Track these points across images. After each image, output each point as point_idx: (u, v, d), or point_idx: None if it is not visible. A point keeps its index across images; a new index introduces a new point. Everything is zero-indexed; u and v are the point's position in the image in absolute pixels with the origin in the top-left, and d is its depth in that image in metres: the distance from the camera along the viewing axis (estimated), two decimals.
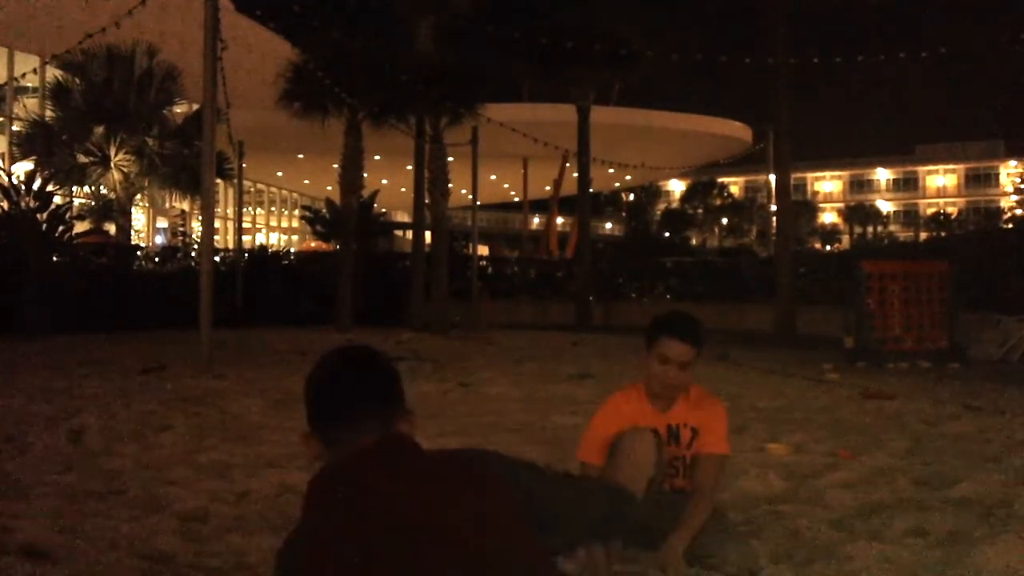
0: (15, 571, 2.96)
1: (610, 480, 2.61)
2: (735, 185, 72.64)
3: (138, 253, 19.19)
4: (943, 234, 49.17)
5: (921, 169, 72.09)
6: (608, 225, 69.69)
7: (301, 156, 34.08)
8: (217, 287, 10.99)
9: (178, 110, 21.70)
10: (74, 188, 21.71)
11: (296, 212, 46.17)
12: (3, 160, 19.47)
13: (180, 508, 3.84)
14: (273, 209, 47.39)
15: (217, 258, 18.25)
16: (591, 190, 24.09)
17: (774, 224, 22.75)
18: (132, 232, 22.06)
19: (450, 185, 19.36)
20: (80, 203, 21.94)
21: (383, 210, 35.82)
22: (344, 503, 1.42)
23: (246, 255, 20.61)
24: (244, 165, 21.31)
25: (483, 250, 31.25)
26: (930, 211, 68.84)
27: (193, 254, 19.07)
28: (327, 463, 1.53)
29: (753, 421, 6.31)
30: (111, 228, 20.85)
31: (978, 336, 11.64)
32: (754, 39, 16.81)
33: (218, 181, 19.12)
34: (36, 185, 16.20)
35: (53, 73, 20.95)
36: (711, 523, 2.94)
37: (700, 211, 67.86)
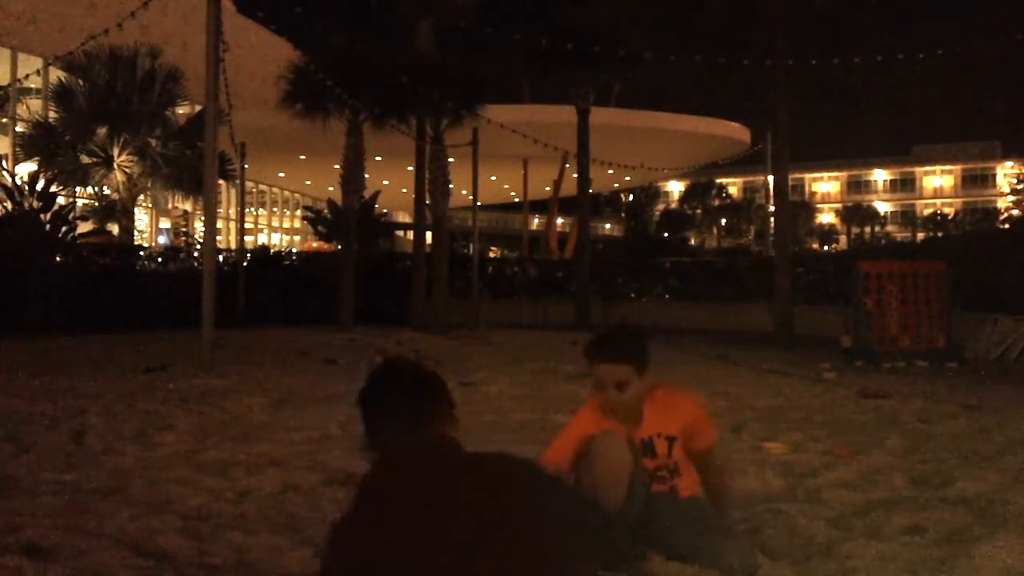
0: (18, 570, 2.98)
1: (589, 492, 2.63)
2: (733, 186, 72.64)
3: (141, 253, 19.22)
4: (940, 234, 49.15)
5: (918, 170, 72.09)
6: (607, 225, 69.67)
7: (303, 157, 34.10)
8: (219, 287, 11.01)
9: (180, 111, 21.74)
10: (77, 189, 21.76)
11: (298, 212, 46.18)
12: (7, 161, 19.48)
13: (182, 507, 3.87)
14: (275, 209, 47.41)
15: (219, 258, 18.28)
16: (591, 191, 24.11)
17: (772, 224, 22.77)
18: (135, 232, 22.09)
19: (451, 186, 19.39)
20: (83, 204, 21.97)
21: (384, 210, 35.84)
22: (380, 496, 1.67)
23: (248, 255, 20.64)
24: (246, 166, 21.35)
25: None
26: (927, 211, 68.83)
27: (196, 254, 19.10)
28: (373, 462, 1.79)
29: (751, 420, 6.33)
30: (114, 229, 20.87)
31: (975, 335, 11.66)
32: (752, 40, 16.81)
33: (220, 182, 19.17)
34: (39, 186, 16.26)
35: (56, 74, 20.98)
36: (708, 523, 2.96)
37: (699, 212, 67.87)
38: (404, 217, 44.72)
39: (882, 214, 70.98)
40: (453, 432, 1.83)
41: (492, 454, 1.81)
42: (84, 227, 18.74)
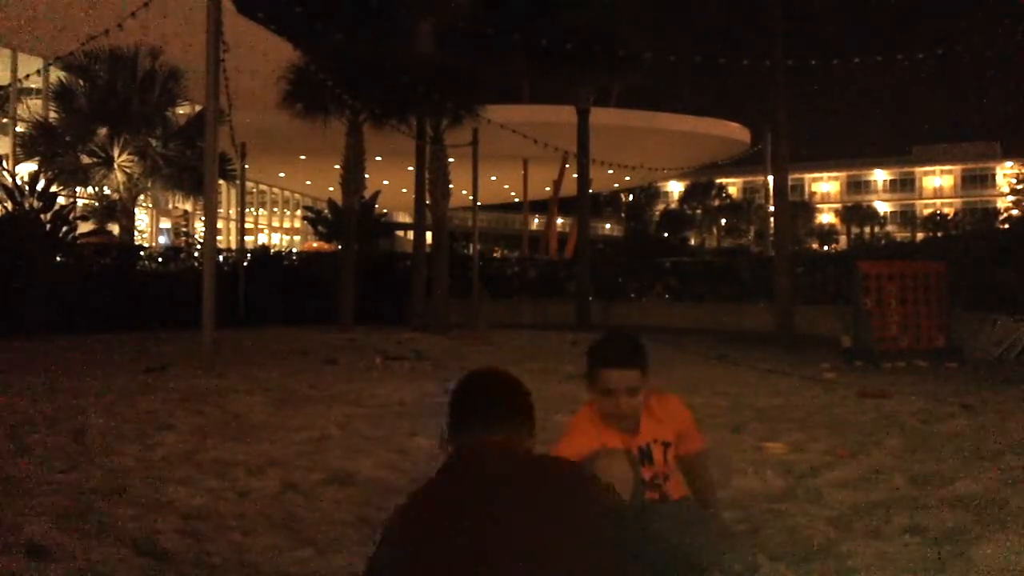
0: (19, 569, 2.99)
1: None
2: (733, 186, 72.65)
3: (141, 253, 19.22)
4: (940, 234, 49.12)
5: (918, 170, 72.11)
6: (607, 225, 69.66)
7: (303, 157, 34.12)
8: (219, 287, 11.02)
9: (181, 111, 21.75)
10: (77, 189, 21.76)
11: (298, 213, 46.19)
12: (7, 161, 19.51)
13: (182, 507, 3.87)
14: (275, 210, 47.42)
15: (220, 258, 18.27)
16: (591, 191, 24.11)
17: (772, 224, 22.77)
18: (135, 232, 22.08)
19: (451, 186, 19.39)
20: (83, 204, 21.97)
21: (384, 211, 35.82)
22: (449, 491, 1.76)
23: (248, 255, 20.64)
24: (246, 166, 21.35)
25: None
26: (927, 211, 68.85)
27: (196, 254, 19.10)
28: (450, 457, 1.88)
29: (751, 420, 6.34)
30: (114, 229, 20.87)
31: (975, 335, 11.66)
32: (752, 40, 16.83)
33: (221, 182, 19.16)
34: (40, 186, 16.26)
35: (57, 74, 20.98)
36: (706, 523, 2.96)
37: (699, 212, 67.89)
38: (404, 217, 44.72)
39: (882, 214, 71.00)
40: (530, 445, 1.97)
41: (566, 466, 1.95)
42: (84, 227, 18.74)
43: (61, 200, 18.34)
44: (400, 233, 37.99)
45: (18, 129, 23.87)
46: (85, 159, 19.55)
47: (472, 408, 1.92)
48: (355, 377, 9.09)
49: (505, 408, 1.95)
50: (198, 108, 19.49)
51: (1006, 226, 45.34)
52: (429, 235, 20.60)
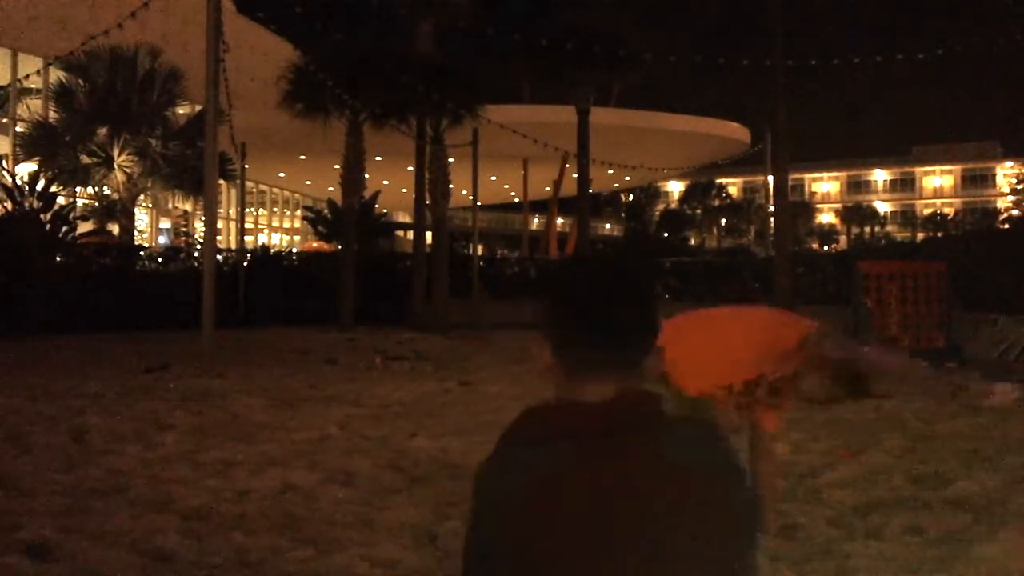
0: (19, 568, 2.99)
1: None
2: (733, 186, 72.62)
3: (141, 253, 19.21)
4: (940, 234, 49.14)
5: (918, 170, 72.09)
6: (607, 225, 69.66)
7: (303, 157, 34.07)
8: (219, 287, 11.02)
9: (181, 111, 21.72)
10: (77, 189, 21.73)
11: (298, 212, 46.16)
12: (7, 161, 19.48)
13: (182, 506, 3.87)
14: (275, 210, 47.40)
15: (219, 258, 18.26)
16: (591, 191, 24.10)
17: (772, 224, 22.77)
18: (135, 232, 22.07)
19: (451, 186, 19.38)
20: (83, 204, 21.96)
21: (384, 211, 35.80)
22: (556, 459, 1.16)
23: (248, 255, 20.64)
24: (246, 166, 21.34)
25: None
26: (927, 211, 68.84)
27: (196, 254, 19.09)
28: (559, 399, 1.25)
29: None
30: (114, 228, 20.86)
31: (975, 336, 11.66)
32: (752, 40, 16.82)
33: (220, 182, 19.14)
34: (40, 186, 16.26)
35: (56, 74, 20.96)
36: None
37: (699, 212, 67.88)
38: (404, 217, 44.71)
39: (882, 214, 70.96)
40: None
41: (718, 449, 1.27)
42: (84, 227, 18.73)
43: (61, 200, 18.33)
44: (400, 233, 37.99)
45: (18, 129, 23.85)
46: (85, 159, 19.54)
47: (617, 325, 1.19)
48: (355, 377, 9.09)
49: (652, 327, 1.23)
50: (198, 108, 19.47)
51: (1006, 226, 45.33)
52: (429, 235, 20.59)
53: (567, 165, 30.85)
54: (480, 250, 23.14)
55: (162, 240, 32.06)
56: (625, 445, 1.20)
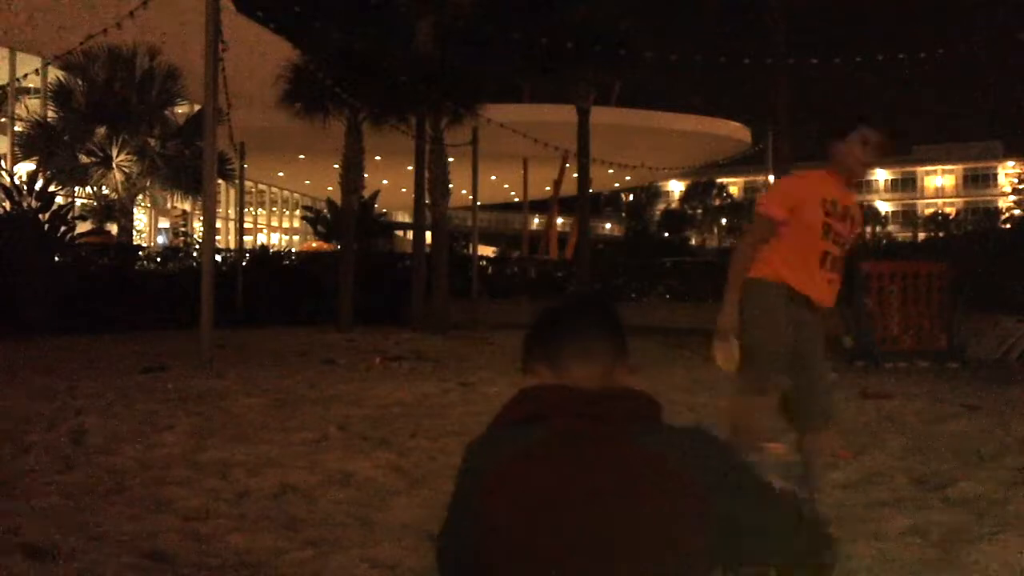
0: (17, 570, 2.97)
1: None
2: (734, 185, 72.65)
3: (140, 253, 19.20)
4: (941, 234, 49.15)
5: (919, 169, 72.10)
6: (608, 225, 69.69)
7: (302, 157, 34.07)
8: (218, 287, 11.01)
9: (179, 111, 21.71)
10: (76, 188, 21.73)
11: (297, 212, 46.17)
12: (5, 161, 19.51)
13: (181, 507, 3.86)
14: (274, 209, 47.39)
15: (218, 258, 18.25)
16: (591, 190, 24.09)
17: None
18: (134, 232, 22.06)
19: (450, 185, 19.37)
20: (82, 203, 21.95)
21: (384, 210, 35.82)
22: (531, 425, 1.34)
23: (247, 255, 20.63)
24: (245, 165, 21.33)
25: (485, 250, 31.16)
26: (928, 211, 68.87)
27: (195, 254, 19.08)
28: (539, 383, 1.44)
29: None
30: (113, 228, 20.85)
31: (977, 336, 11.64)
32: (753, 40, 16.81)
33: (219, 181, 19.14)
34: (38, 185, 16.24)
35: (55, 74, 20.96)
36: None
37: (699, 211, 67.94)
38: (404, 217, 44.70)
39: (883, 214, 70.99)
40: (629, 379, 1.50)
41: (678, 434, 1.40)
42: (83, 227, 18.72)
43: (59, 200, 18.31)
44: (400, 233, 37.97)
45: (16, 129, 23.83)
46: (83, 159, 19.52)
47: (580, 340, 1.46)
48: (354, 377, 9.08)
49: (618, 343, 1.48)
50: (197, 107, 19.47)
51: (1008, 226, 45.34)
52: (429, 235, 20.59)
53: (567, 165, 30.86)
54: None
55: (161, 240, 32.06)
56: (607, 432, 1.33)
